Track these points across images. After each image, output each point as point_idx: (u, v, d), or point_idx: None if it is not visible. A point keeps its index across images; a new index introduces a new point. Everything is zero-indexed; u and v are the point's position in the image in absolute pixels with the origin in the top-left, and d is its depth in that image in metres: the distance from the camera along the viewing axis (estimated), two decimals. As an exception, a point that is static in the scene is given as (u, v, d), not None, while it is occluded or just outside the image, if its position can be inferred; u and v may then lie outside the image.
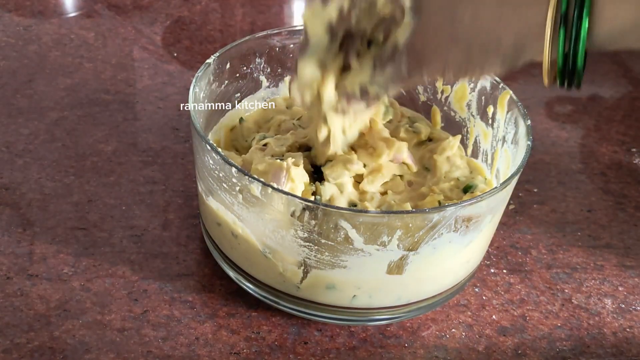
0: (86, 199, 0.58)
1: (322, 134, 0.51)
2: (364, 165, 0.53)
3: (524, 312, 0.54)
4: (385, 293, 0.49)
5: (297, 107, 0.61)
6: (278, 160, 0.50)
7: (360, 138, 0.54)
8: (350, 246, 0.45)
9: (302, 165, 0.51)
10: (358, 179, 0.53)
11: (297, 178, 0.50)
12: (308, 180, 0.52)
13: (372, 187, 0.53)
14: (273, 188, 0.45)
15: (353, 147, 0.54)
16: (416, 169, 0.56)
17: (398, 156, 0.54)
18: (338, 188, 0.52)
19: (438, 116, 0.62)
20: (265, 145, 0.54)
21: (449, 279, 0.51)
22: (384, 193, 0.53)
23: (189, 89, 0.51)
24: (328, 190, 0.51)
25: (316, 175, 0.54)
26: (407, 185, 0.55)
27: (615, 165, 0.69)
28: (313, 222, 0.45)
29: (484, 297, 0.55)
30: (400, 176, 0.55)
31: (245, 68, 0.58)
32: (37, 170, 0.60)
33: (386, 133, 0.54)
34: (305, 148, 0.55)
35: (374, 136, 0.54)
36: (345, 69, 0.49)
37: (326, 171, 0.52)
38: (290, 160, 0.50)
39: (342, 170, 0.52)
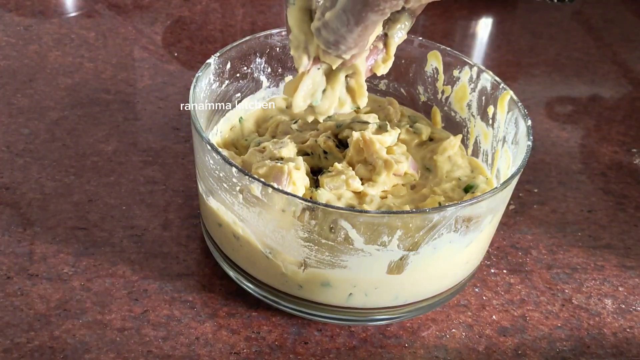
0: (86, 199, 0.58)
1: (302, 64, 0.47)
2: (361, 179, 0.53)
3: (524, 313, 0.54)
4: (382, 292, 0.49)
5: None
6: (279, 164, 0.50)
7: (359, 154, 0.54)
8: (351, 246, 0.45)
9: (303, 169, 0.51)
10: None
11: (298, 181, 0.50)
12: (309, 184, 0.52)
13: (373, 190, 0.53)
14: (273, 188, 0.45)
15: (352, 163, 0.54)
16: (419, 176, 0.55)
17: (398, 173, 0.54)
18: (335, 195, 0.52)
19: (438, 116, 0.62)
20: (263, 148, 0.54)
21: (449, 279, 0.51)
22: (384, 197, 0.53)
23: (189, 89, 0.51)
24: (324, 196, 0.51)
25: (315, 178, 0.54)
26: (409, 189, 0.55)
27: (615, 165, 0.69)
28: (313, 222, 0.45)
29: (484, 298, 0.55)
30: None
31: (245, 68, 0.58)
32: (38, 170, 0.60)
33: (384, 152, 0.54)
34: (304, 153, 0.55)
35: (372, 155, 0.54)
36: None
37: (325, 179, 0.52)
38: (291, 164, 0.50)
39: (342, 183, 0.52)
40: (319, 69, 0.47)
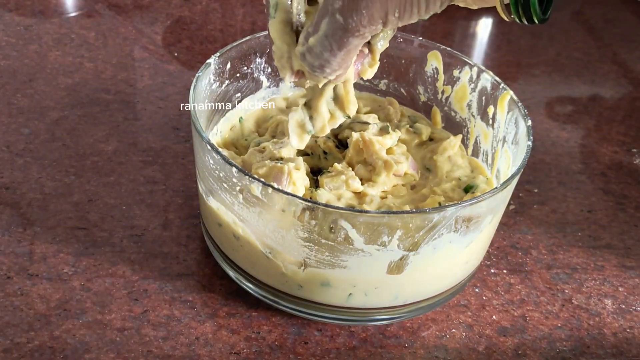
0: (86, 199, 0.58)
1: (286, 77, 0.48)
2: (361, 179, 0.53)
3: (524, 313, 0.54)
4: (382, 292, 0.49)
5: (296, 108, 0.61)
6: (279, 164, 0.50)
7: (359, 154, 0.54)
8: (351, 246, 0.45)
9: (303, 169, 0.51)
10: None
11: (298, 181, 0.50)
12: (309, 184, 0.52)
13: (373, 190, 0.53)
14: (273, 188, 0.45)
15: (351, 163, 0.54)
16: (419, 176, 0.55)
17: (398, 173, 0.54)
18: (335, 195, 0.52)
19: (438, 116, 0.62)
20: (263, 148, 0.54)
21: (449, 279, 0.51)
22: (384, 197, 0.53)
23: (189, 89, 0.51)
24: (324, 196, 0.51)
25: (315, 178, 0.54)
26: (409, 189, 0.55)
27: (615, 165, 0.69)
28: (313, 222, 0.45)
29: (484, 298, 0.55)
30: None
31: (245, 68, 0.58)
32: (38, 170, 0.60)
33: (384, 152, 0.54)
34: (304, 153, 0.55)
35: (371, 155, 0.54)
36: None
37: (325, 180, 0.52)
38: (291, 164, 0.50)
39: (342, 184, 0.52)
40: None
